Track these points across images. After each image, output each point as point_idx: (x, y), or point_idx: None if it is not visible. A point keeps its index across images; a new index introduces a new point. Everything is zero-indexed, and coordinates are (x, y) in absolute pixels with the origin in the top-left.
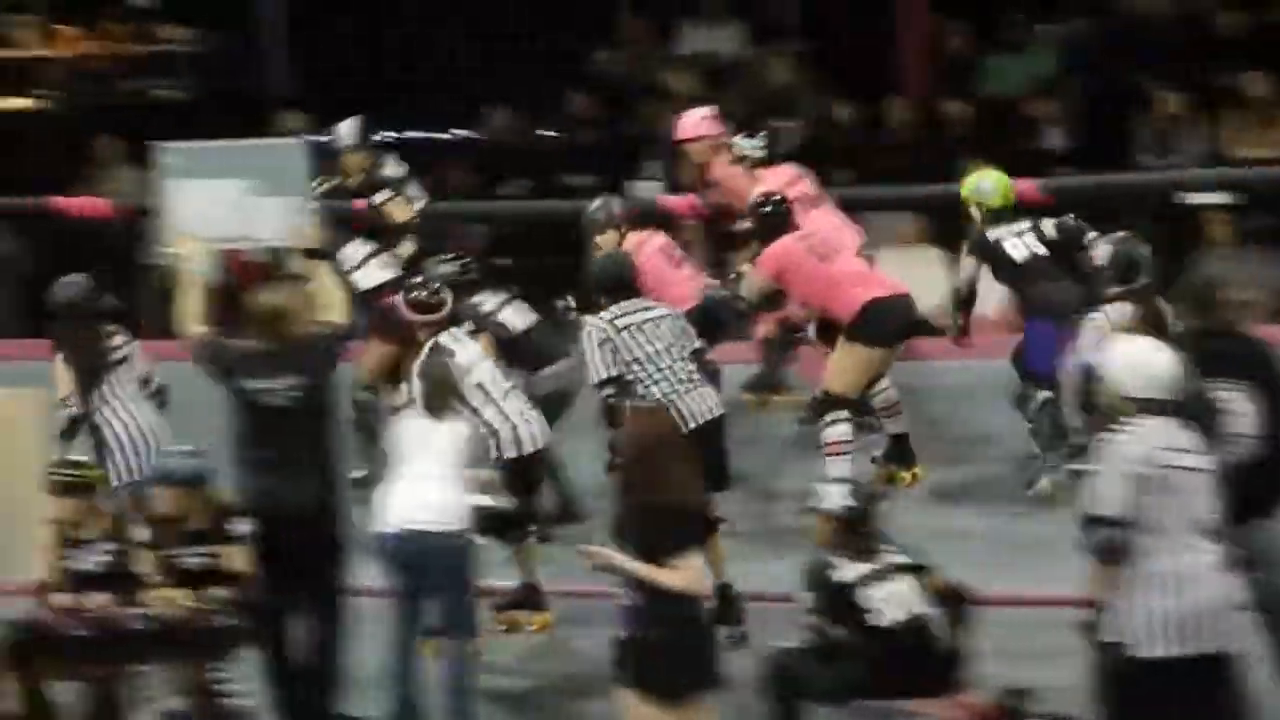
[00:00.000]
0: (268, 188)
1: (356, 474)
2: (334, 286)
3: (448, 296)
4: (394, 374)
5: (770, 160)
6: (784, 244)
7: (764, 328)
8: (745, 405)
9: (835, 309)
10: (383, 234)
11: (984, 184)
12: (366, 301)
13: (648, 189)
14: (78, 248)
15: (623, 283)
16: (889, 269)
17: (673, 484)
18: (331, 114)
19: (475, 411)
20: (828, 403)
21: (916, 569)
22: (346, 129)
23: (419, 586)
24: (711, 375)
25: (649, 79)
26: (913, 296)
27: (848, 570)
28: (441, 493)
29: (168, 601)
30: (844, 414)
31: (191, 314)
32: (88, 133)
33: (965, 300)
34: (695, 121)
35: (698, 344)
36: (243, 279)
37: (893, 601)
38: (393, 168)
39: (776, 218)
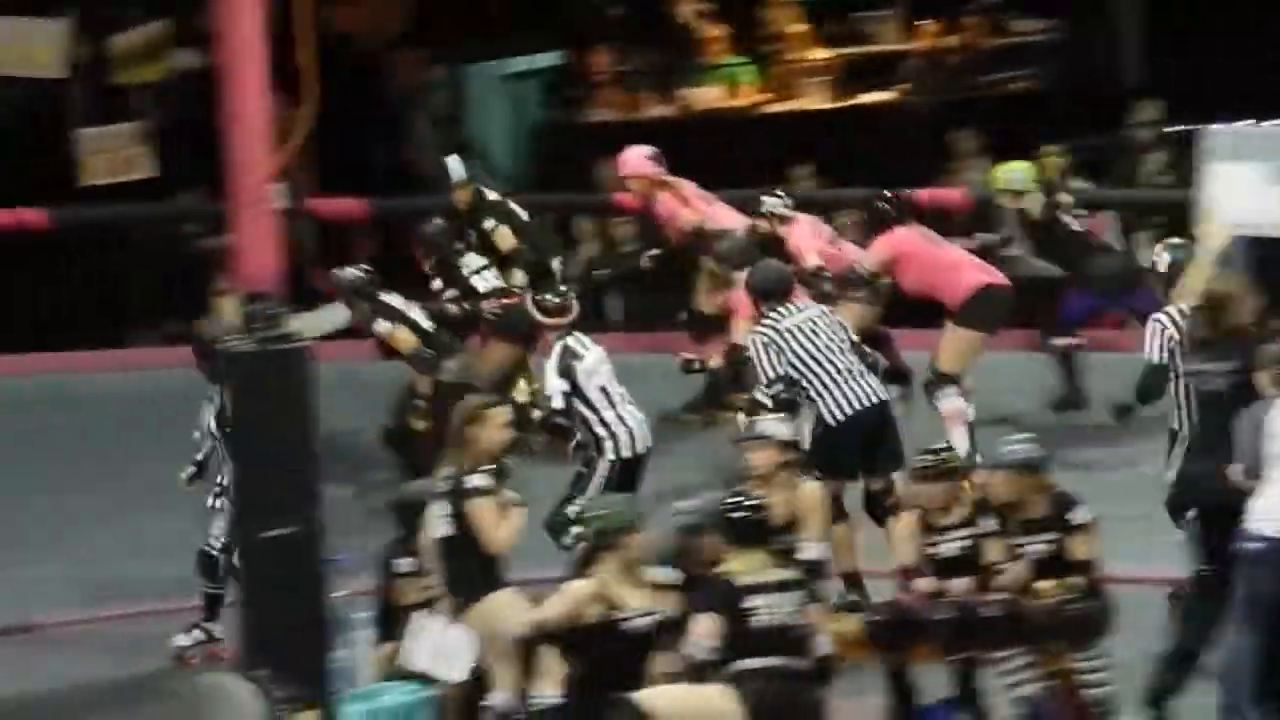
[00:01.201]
0: None
1: None
2: None
3: (574, 301)
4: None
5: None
6: (899, 232)
7: (715, 358)
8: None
9: (944, 292)
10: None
11: (1016, 174)
12: (482, 304)
13: None
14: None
15: (780, 288)
16: None
17: None
18: (1186, 105)
19: (598, 413)
20: (938, 380)
21: None
22: (454, 166)
23: None
24: (871, 366)
25: None
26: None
27: None
28: None
29: (1024, 588)
30: (954, 389)
31: (1192, 292)
32: (945, 126)
33: None
34: (636, 160)
35: (855, 337)
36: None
37: None
38: (494, 195)
39: (887, 212)
